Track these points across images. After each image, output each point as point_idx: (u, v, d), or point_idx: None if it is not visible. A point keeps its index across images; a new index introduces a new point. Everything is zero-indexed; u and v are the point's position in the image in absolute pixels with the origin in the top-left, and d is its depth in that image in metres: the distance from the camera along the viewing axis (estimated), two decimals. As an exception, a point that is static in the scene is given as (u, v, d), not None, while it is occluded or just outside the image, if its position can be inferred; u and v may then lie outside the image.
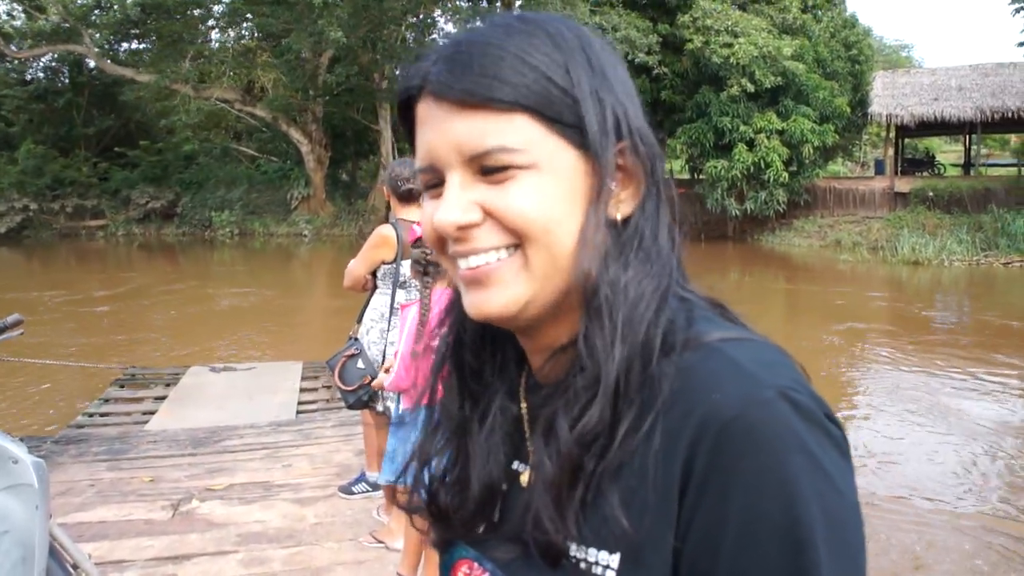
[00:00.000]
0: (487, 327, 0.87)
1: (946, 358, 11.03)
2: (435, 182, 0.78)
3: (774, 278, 19.96)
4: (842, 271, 20.72)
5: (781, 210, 25.42)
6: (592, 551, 0.73)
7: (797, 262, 22.52)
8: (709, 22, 24.65)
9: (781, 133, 24.47)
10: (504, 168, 0.73)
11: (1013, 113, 24.24)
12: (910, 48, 74.89)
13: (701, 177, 26.52)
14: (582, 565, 0.74)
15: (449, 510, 0.88)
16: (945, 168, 31.42)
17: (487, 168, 0.74)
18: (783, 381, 0.69)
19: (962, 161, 32.92)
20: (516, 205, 0.74)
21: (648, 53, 25.42)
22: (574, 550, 0.74)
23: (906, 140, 32.87)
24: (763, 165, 24.18)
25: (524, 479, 0.83)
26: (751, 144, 24.49)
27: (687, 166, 28.53)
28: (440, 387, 0.93)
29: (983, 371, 10.18)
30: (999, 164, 40.32)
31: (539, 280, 0.75)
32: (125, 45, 33.51)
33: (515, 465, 0.86)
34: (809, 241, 25.23)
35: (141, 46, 33.08)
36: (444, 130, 0.75)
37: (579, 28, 0.79)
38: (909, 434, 7.91)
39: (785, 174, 24.25)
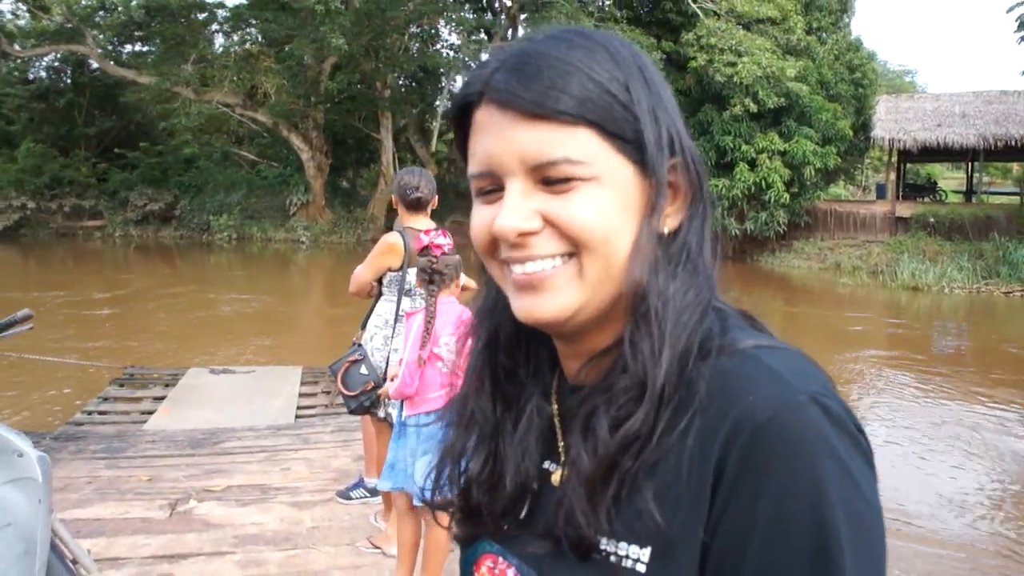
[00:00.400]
0: (523, 331, 0.90)
1: (968, 386, 10.99)
2: (490, 188, 0.80)
3: (772, 299, 19.94)
4: (841, 295, 20.68)
5: (781, 231, 25.46)
6: (623, 545, 0.75)
7: (796, 284, 22.52)
8: (713, 41, 24.73)
9: (783, 154, 24.53)
10: (567, 179, 0.76)
11: (1016, 141, 24.31)
12: (914, 74, 75.12)
13: (702, 196, 26.50)
14: (612, 559, 0.76)
15: (480, 507, 0.90)
16: (947, 194, 31.43)
17: (550, 179, 0.76)
18: (815, 387, 0.71)
19: (964, 188, 32.88)
20: (579, 216, 0.76)
21: (652, 70, 25.49)
22: (604, 543, 0.76)
23: (908, 165, 32.93)
24: (764, 185, 24.24)
25: (555, 478, 0.85)
26: (753, 164, 24.56)
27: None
28: (470, 387, 0.95)
29: (1017, 404, 10.06)
30: (1001, 192, 40.23)
31: (592, 287, 0.78)
32: (128, 47, 33.58)
33: (546, 464, 0.88)
34: (809, 263, 25.21)
35: (144, 48, 33.13)
36: (508, 138, 0.76)
37: (632, 47, 0.82)
38: (972, 473, 7.71)
39: (786, 195, 24.30)
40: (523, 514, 0.87)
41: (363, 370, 4.45)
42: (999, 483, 7.45)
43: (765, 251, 26.33)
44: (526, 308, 0.80)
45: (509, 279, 0.81)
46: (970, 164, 30.62)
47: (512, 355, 0.93)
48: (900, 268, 22.10)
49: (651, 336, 0.76)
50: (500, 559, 0.88)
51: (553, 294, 0.78)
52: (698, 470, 0.72)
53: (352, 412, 4.64)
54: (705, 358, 0.76)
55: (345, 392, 4.46)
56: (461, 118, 0.83)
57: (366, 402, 4.45)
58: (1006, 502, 6.98)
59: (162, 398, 7.62)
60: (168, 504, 4.83)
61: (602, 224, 0.76)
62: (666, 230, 0.81)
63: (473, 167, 0.81)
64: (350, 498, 4.99)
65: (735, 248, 26.46)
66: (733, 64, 24.09)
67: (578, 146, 0.75)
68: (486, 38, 31.86)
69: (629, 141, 0.77)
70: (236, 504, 4.91)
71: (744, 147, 24.62)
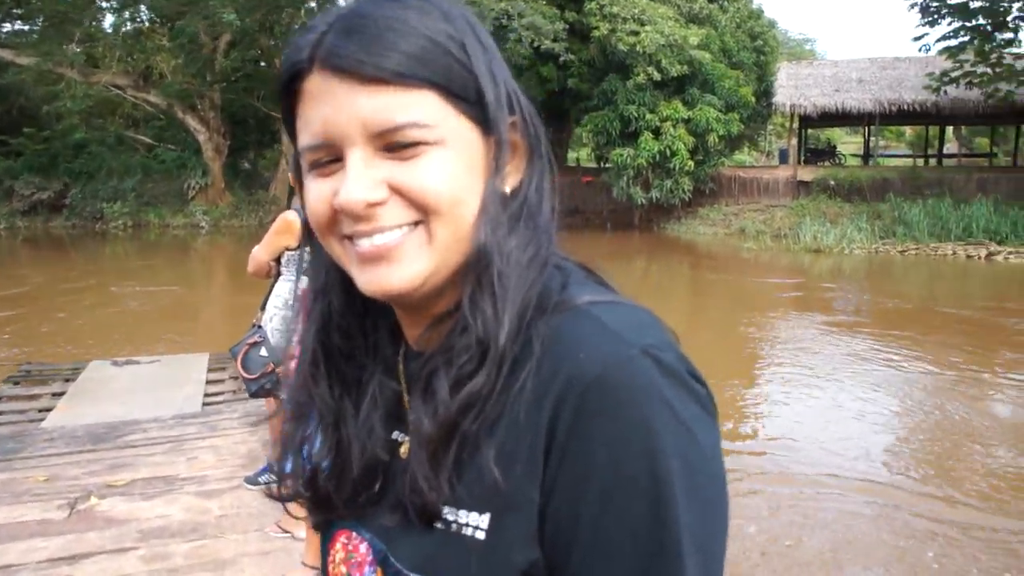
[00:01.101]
0: (356, 309, 0.89)
1: (873, 340, 11.40)
2: (327, 159, 0.76)
3: (679, 264, 20.27)
4: (746, 259, 21.16)
5: (687, 199, 25.84)
6: (463, 512, 0.75)
7: (702, 250, 22.93)
8: (616, 10, 24.72)
9: (687, 122, 24.82)
10: (413, 144, 0.73)
11: (908, 106, 25.40)
12: (813, 42, 77.11)
13: (607, 165, 26.70)
14: (453, 527, 0.75)
15: (330, 493, 0.88)
16: (846, 158, 32.49)
17: (394, 144, 0.73)
18: (648, 340, 0.71)
19: (862, 152, 34.01)
20: (429, 182, 0.74)
21: (555, 40, 25.36)
22: (447, 512, 0.76)
23: (809, 131, 33.90)
24: (669, 153, 24.52)
25: (403, 449, 0.84)
26: (657, 132, 24.79)
27: (593, 154, 28.68)
28: (307, 375, 0.91)
29: (913, 355, 10.51)
30: (896, 155, 42.07)
31: (441, 253, 0.76)
32: (7, 25, 31.81)
33: (395, 435, 0.87)
34: (714, 229, 25.72)
35: (24, 27, 31.43)
36: (346, 105, 0.73)
37: (462, 7, 0.80)
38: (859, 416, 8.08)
39: (691, 163, 24.65)
40: (376, 488, 0.86)
41: (263, 352, 4.38)
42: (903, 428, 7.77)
43: (671, 219, 26.73)
44: (375, 281, 0.77)
45: (353, 254, 0.78)
46: (867, 128, 31.59)
47: (347, 336, 0.90)
48: (802, 231, 22.74)
49: (493, 295, 0.75)
50: (353, 534, 0.87)
51: (403, 264, 0.76)
52: (532, 431, 0.72)
53: (253, 395, 4.55)
54: (542, 315, 0.76)
55: (245, 375, 4.38)
56: (288, 88, 0.78)
57: (267, 384, 4.38)
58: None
59: (62, 394, 7.31)
60: (67, 503, 4.62)
61: (451, 189, 0.74)
62: (507, 189, 0.80)
63: (307, 138, 0.76)
64: (258, 483, 4.88)
65: (642, 217, 26.79)
66: (636, 33, 24.16)
67: (422, 109, 0.73)
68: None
69: (471, 102, 0.76)
70: (140, 498, 4.74)
71: (648, 116, 24.80)
